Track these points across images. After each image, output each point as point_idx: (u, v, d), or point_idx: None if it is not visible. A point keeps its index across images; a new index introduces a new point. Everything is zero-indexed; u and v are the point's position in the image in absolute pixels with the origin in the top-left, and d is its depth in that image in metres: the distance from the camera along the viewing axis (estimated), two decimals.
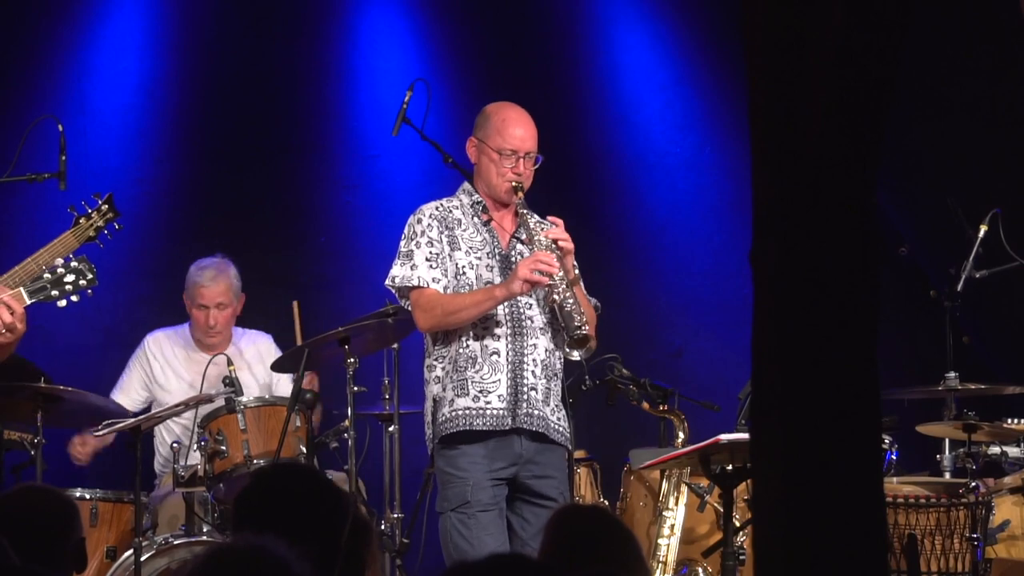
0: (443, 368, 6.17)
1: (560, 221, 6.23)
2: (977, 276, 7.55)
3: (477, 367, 6.12)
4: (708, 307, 9.03)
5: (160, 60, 8.90)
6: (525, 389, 6.12)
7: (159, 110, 8.87)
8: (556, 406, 6.20)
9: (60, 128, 7.23)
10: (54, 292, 6.38)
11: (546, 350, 6.16)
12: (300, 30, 9.03)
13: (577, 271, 6.29)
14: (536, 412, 6.13)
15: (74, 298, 6.41)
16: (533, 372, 6.14)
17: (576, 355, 6.08)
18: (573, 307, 6.02)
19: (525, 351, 6.15)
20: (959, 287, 7.50)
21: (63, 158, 7.22)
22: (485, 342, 6.13)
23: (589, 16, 9.20)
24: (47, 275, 6.41)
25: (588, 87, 9.15)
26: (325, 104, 9.07)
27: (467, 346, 6.13)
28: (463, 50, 9.09)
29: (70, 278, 6.40)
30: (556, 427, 6.19)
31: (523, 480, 6.13)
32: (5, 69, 8.67)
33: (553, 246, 6.11)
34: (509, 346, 6.14)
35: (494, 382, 6.11)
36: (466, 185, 6.35)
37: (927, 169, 8.62)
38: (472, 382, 6.10)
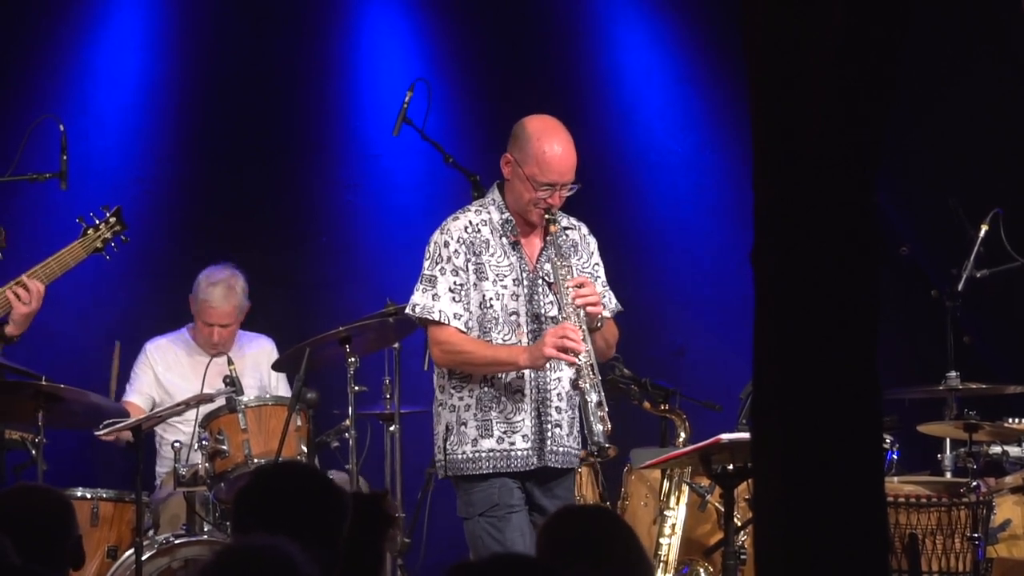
0: (462, 400, 6.01)
1: (585, 279, 6.02)
2: (978, 276, 7.54)
3: (501, 407, 5.98)
4: (709, 307, 9.02)
5: (161, 60, 8.89)
6: (550, 427, 6.00)
7: (159, 110, 8.87)
8: (576, 432, 6.11)
9: (61, 128, 7.25)
10: None
11: (570, 379, 5.99)
12: (300, 30, 9.02)
13: (605, 298, 6.13)
14: (561, 449, 6.04)
15: None
16: (557, 408, 6.03)
17: (593, 458, 6.01)
18: (596, 405, 5.84)
19: (549, 386, 6.02)
20: (960, 287, 7.50)
21: (64, 158, 7.24)
22: (508, 380, 5.99)
23: (590, 15, 9.20)
24: None
25: (589, 87, 9.14)
26: (326, 104, 9.06)
27: (490, 383, 5.99)
28: (463, 50, 9.08)
29: None
30: (576, 454, 6.15)
31: (531, 488, 6.04)
32: (6, 69, 8.66)
33: (581, 313, 5.91)
34: (533, 384, 6.01)
35: (518, 421, 5.98)
36: (496, 196, 6.11)
37: (927, 169, 8.62)
38: (496, 423, 5.97)
